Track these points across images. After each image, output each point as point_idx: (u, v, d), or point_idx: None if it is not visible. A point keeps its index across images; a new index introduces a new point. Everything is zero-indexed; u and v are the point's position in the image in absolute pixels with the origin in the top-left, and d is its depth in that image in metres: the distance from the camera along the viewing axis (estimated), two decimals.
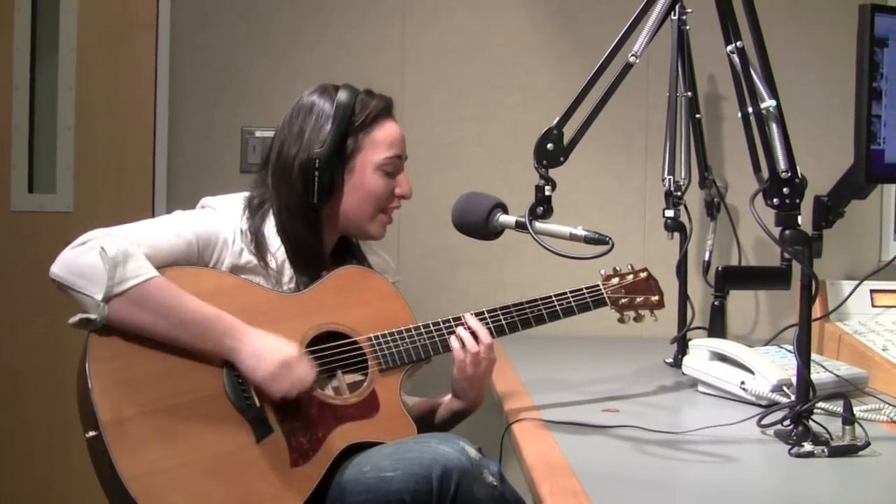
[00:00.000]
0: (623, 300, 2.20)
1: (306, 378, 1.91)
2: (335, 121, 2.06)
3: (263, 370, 1.88)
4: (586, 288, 2.18)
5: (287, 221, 2.06)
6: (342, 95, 2.08)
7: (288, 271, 2.06)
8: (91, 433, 1.82)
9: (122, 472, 1.77)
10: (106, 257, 1.82)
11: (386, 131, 2.11)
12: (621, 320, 2.21)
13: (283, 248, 2.06)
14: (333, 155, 2.05)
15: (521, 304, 2.13)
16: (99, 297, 1.82)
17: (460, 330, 2.07)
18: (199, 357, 1.89)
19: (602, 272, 2.22)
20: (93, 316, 1.83)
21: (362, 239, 2.19)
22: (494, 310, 2.12)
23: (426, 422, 2.17)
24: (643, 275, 2.24)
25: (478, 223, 2.00)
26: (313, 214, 2.08)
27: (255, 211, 2.07)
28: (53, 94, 3.12)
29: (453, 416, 2.15)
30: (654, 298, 2.23)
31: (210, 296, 1.92)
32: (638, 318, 2.22)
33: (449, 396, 2.16)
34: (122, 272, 1.83)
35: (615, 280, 2.21)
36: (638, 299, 2.20)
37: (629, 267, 2.24)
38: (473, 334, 2.06)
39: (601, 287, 2.19)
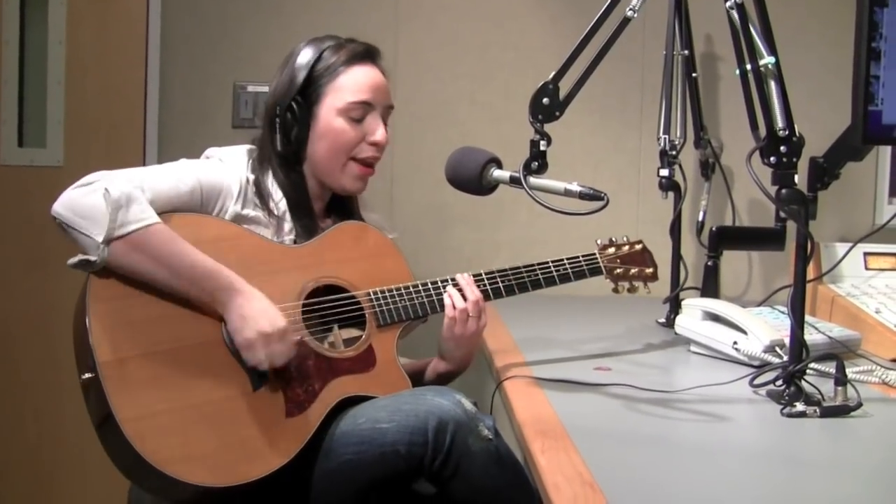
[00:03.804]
0: (618, 270, 2.22)
1: (280, 356, 1.87)
2: (302, 68, 2.06)
3: (241, 336, 1.85)
4: (583, 256, 2.19)
5: (274, 170, 2.07)
6: (319, 44, 2.09)
7: (288, 223, 2.05)
8: (87, 375, 1.81)
9: (118, 414, 1.76)
10: (109, 199, 1.81)
11: (352, 76, 2.08)
12: (616, 290, 2.25)
13: (284, 200, 2.05)
14: (296, 101, 2.05)
15: (519, 268, 2.14)
16: (100, 238, 1.80)
17: (450, 288, 2.06)
18: (200, 304, 1.88)
19: (598, 242, 2.24)
20: (92, 257, 1.81)
21: (340, 192, 2.14)
22: (492, 272, 2.12)
23: (413, 383, 2.17)
24: (639, 246, 2.27)
25: (471, 178, 1.98)
26: (289, 163, 2.08)
27: (257, 161, 2.07)
28: (43, 49, 3.09)
29: (438, 378, 2.14)
30: (649, 270, 2.26)
31: (211, 243, 1.90)
32: (632, 289, 2.25)
33: (436, 359, 2.15)
34: (125, 215, 1.81)
35: (611, 250, 2.24)
36: (633, 270, 2.23)
37: (625, 238, 2.27)
38: (462, 293, 2.06)
39: (597, 256, 2.21)
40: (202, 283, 1.86)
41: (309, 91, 2.07)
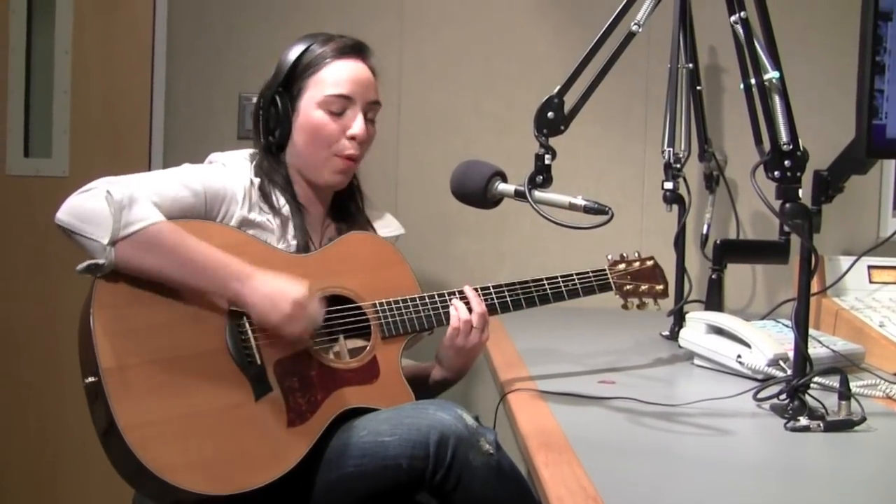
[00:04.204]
0: (628, 286, 2.22)
1: (318, 316, 1.92)
2: (288, 62, 2.09)
3: (278, 313, 1.86)
4: (592, 272, 2.19)
5: (272, 174, 2.07)
6: (310, 39, 2.11)
7: (292, 228, 2.05)
8: (90, 379, 1.81)
9: (119, 420, 1.77)
10: (112, 201, 1.81)
11: (334, 69, 2.08)
12: (625, 306, 2.24)
13: (288, 206, 2.06)
14: (278, 94, 2.07)
15: (527, 282, 2.13)
16: (105, 240, 1.80)
17: (456, 300, 2.06)
18: (204, 311, 1.89)
19: (609, 257, 2.24)
20: (100, 261, 1.82)
21: (323, 186, 2.13)
22: (500, 286, 2.11)
23: (413, 386, 2.17)
24: (650, 263, 2.27)
25: (476, 191, 1.98)
26: (275, 159, 2.09)
27: (258, 165, 2.08)
28: (50, 58, 3.10)
29: (435, 385, 2.14)
30: (659, 287, 2.26)
31: None
32: (641, 306, 2.25)
33: (435, 366, 2.15)
34: (128, 215, 1.82)
35: (622, 266, 2.23)
36: (643, 287, 2.23)
37: (636, 254, 2.26)
38: (468, 304, 2.05)
39: (607, 272, 2.21)
40: (215, 274, 1.86)
41: (292, 86, 2.08)
